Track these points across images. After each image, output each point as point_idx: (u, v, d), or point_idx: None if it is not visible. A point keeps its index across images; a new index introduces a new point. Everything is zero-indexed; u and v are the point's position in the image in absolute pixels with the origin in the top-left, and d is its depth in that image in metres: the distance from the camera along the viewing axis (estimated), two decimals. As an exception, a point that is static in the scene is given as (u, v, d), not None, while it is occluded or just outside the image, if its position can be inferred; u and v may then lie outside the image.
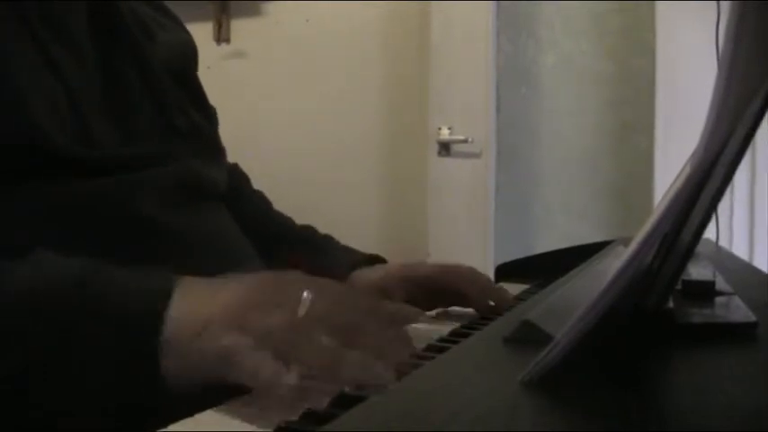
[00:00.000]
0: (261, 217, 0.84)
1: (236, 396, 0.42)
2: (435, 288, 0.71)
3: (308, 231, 0.85)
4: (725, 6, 1.64)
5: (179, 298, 0.44)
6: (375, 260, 0.79)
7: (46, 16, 0.57)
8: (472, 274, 0.70)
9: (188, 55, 0.77)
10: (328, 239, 0.84)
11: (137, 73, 0.64)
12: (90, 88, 0.58)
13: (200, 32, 2.37)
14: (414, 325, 0.65)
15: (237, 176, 0.88)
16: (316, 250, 0.80)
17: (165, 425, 0.38)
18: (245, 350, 0.41)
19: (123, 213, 0.57)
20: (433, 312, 0.71)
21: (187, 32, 0.79)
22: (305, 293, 0.44)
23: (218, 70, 2.31)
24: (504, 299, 0.67)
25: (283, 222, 0.86)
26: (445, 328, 0.60)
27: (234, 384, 0.41)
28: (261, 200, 0.89)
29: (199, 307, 0.44)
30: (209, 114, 0.78)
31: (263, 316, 0.43)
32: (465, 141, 2.00)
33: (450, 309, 0.72)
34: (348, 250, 0.81)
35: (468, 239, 2.00)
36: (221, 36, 2.38)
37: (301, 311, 0.43)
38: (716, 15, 1.64)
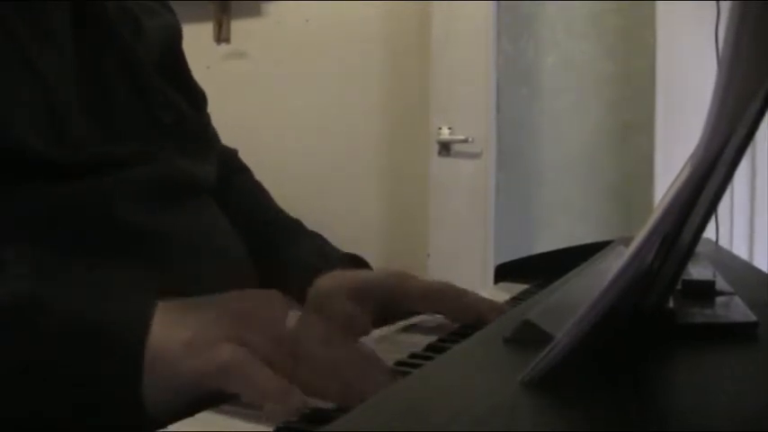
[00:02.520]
0: (248, 208, 0.82)
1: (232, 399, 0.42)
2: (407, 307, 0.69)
3: (293, 225, 0.82)
4: (725, 6, 1.64)
5: (158, 320, 0.43)
6: (354, 260, 0.77)
7: (25, 15, 0.55)
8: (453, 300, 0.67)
9: (173, 39, 0.74)
10: (313, 235, 0.81)
11: (121, 69, 0.63)
12: (70, 88, 0.57)
13: (200, 32, 2.37)
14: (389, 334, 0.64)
15: (233, 165, 0.86)
16: (291, 243, 0.77)
17: (165, 425, 0.38)
18: (246, 363, 0.40)
19: (105, 217, 0.56)
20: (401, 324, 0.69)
21: (172, 12, 0.76)
22: (291, 311, 0.44)
23: (218, 70, 2.32)
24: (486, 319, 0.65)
25: (268, 215, 0.83)
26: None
27: (230, 394, 0.41)
28: (254, 190, 0.86)
29: (180, 325, 0.43)
30: (197, 99, 0.76)
31: (253, 328, 0.43)
32: (465, 141, 2.00)
33: (419, 321, 0.70)
34: (329, 249, 0.78)
35: (469, 239, 2.00)
36: (221, 36, 2.39)
37: (290, 323, 0.43)
38: (716, 15, 1.64)
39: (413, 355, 0.51)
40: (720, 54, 0.23)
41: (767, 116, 0.28)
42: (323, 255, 0.75)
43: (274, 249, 0.77)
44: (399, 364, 0.49)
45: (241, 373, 0.40)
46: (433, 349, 0.53)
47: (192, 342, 0.42)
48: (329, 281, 0.70)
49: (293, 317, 0.44)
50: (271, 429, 0.37)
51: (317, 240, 0.79)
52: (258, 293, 0.48)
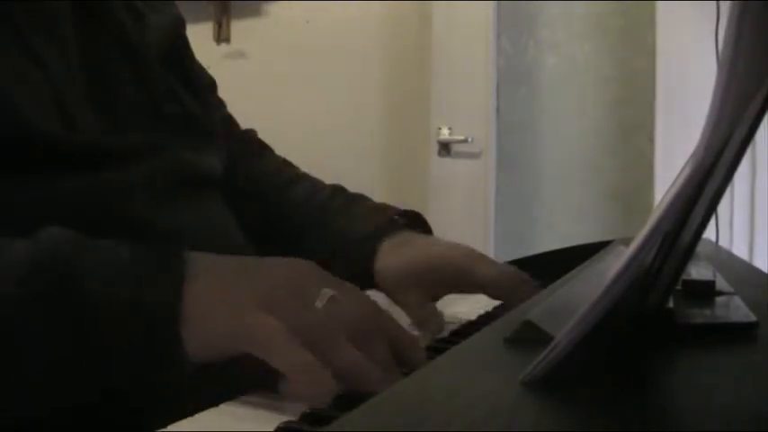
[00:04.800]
0: (280, 186, 0.80)
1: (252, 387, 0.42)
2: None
3: (333, 195, 0.80)
4: (725, 7, 1.64)
5: (200, 274, 0.43)
6: (414, 217, 0.75)
7: (27, 7, 0.55)
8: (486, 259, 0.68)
9: (177, 30, 0.73)
10: (356, 200, 0.78)
11: (124, 60, 0.62)
12: (73, 78, 0.57)
13: (201, 32, 2.37)
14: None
15: (253, 147, 0.85)
16: (338, 218, 0.75)
17: (165, 425, 0.38)
18: (279, 332, 0.41)
19: (116, 211, 0.56)
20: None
21: (175, 7, 0.76)
22: (324, 288, 0.45)
23: (218, 70, 2.30)
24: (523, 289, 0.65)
25: (307, 189, 0.81)
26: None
27: (257, 363, 0.41)
28: (281, 168, 0.85)
29: (222, 286, 0.43)
30: (202, 90, 0.75)
31: (291, 302, 0.43)
32: (465, 141, 2.00)
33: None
34: (380, 210, 0.75)
35: (469, 239, 1.99)
36: (221, 36, 2.39)
37: (318, 304, 0.44)
38: (716, 16, 1.64)
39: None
40: (720, 54, 0.23)
41: (767, 116, 0.28)
42: (380, 219, 0.73)
43: (324, 221, 0.75)
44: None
45: (269, 342, 0.41)
46: (433, 349, 0.53)
47: (227, 302, 0.42)
48: (397, 259, 0.69)
49: (325, 294, 0.44)
50: (270, 429, 0.37)
51: (366, 202, 0.78)
52: (296, 263, 0.47)
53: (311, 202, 0.79)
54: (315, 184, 0.83)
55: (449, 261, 0.69)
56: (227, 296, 0.43)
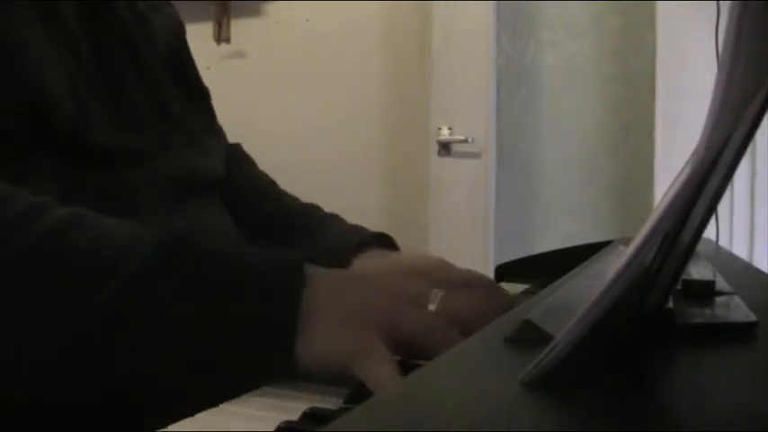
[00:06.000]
0: (263, 197, 0.82)
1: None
2: None
3: (312, 209, 0.83)
4: (725, 6, 1.64)
5: (314, 288, 0.43)
6: (384, 239, 0.77)
7: (34, 3, 0.56)
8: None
9: (177, 36, 0.74)
10: (334, 217, 0.81)
11: (128, 60, 0.63)
12: (83, 75, 0.57)
13: (201, 32, 2.37)
14: None
15: (239, 157, 0.86)
16: (318, 228, 0.77)
17: (165, 425, 0.38)
18: (377, 357, 0.41)
19: (116, 214, 0.56)
20: None
21: (173, 8, 0.77)
22: (435, 289, 0.45)
23: (218, 70, 2.31)
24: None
25: (286, 202, 0.83)
26: None
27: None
28: (263, 181, 0.87)
29: (334, 301, 0.44)
30: (202, 96, 0.76)
31: (398, 311, 0.44)
32: (465, 141, 2.00)
33: None
34: (356, 229, 0.78)
35: (468, 239, 2.00)
36: (221, 36, 2.38)
37: (431, 307, 0.44)
38: (716, 15, 1.64)
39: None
40: (720, 54, 0.23)
41: (767, 116, 0.28)
42: (355, 236, 0.75)
43: (302, 234, 0.77)
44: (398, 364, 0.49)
45: (366, 363, 0.41)
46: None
47: (347, 320, 0.43)
48: (373, 267, 0.70)
49: (437, 294, 0.46)
50: (270, 429, 0.37)
51: (340, 221, 0.80)
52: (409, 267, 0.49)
53: (300, 212, 0.81)
54: (295, 200, 0.85)
55: (424, 261, 0.71)
56: (347, 314, 0.43)
